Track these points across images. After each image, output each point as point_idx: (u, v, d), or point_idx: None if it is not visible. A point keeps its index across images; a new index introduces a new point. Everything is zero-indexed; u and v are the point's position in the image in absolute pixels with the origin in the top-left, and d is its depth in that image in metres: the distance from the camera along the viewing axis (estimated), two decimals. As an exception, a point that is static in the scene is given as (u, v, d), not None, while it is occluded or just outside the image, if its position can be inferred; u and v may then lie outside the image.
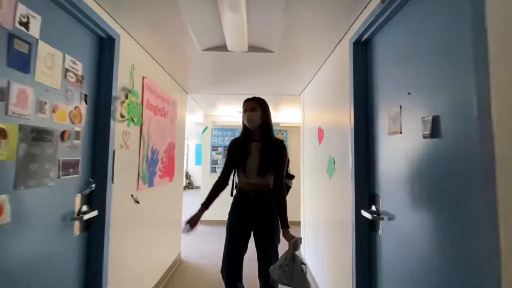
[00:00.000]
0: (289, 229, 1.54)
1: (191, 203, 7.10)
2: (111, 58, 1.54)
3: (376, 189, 1.39)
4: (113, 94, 1.55)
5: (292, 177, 1.83)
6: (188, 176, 10.94)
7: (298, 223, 3.34)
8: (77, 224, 1.35)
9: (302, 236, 3.15)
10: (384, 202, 1.30)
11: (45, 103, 1.12)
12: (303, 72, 2.51)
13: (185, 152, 10.87)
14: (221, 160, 4.95)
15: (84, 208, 1.39)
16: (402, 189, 1.13)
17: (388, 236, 1.26)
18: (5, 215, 0.94)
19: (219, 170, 4.89)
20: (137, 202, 1.88)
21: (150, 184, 2.14)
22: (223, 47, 1.93)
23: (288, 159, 1.75)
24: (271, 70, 2.45)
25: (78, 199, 1.35)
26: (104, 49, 1.53)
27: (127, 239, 1.79)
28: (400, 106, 1.16)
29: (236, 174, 1.76)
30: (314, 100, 2.71)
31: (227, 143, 4.93)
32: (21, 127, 1.00)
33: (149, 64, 2.10)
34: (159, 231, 2.43)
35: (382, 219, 1.28)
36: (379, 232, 1.33)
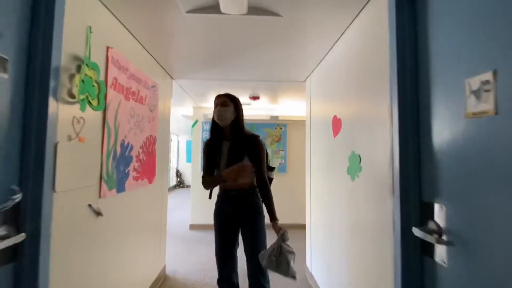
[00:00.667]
0: (278, 221, 1.55)
1: (181, 204, 6.61)
2: (50, 11, 1.05)
3: (434, 196, 0.96)
4: (54, 63, 1.07)
5: (272, 169, 1.80)
6: (178, 174, 10.45)
7: (303, 227, 2.94)
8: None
9: (307, 241, 2.77)
10: (451, 216, 0.88)
11: None
12: (313, 50, 2.07)
13: (175, 149, 10.36)
14: (213, 157, 4.50)
15: (2, 231, 0.92)
16: (493, 197, 0.71)
17: (459, 269, 0.84)
18: None
19: (211, 168, 4.45)
20: (99, 214, 1.41)
21: (120, 188, 1.67)
22: (214, 8, 1.47)
23: (267, 152, 1.74)
24: (273, 46, 2.00)
25: (-11, 217, 0.88)
26: (40, 2, 1.04)
27: (87, 260, 1.33)
28: (494, 72, 0.73)
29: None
30: (326, 85, 2.26)
31: (220, 138, 4.52)
32: None
33: (116, 32, 1.62)
34: (135, 244, 1.97)
35: (451, 243, 0.86)
36: (441, 261, 0.91)
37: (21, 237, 0.94)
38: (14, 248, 0.97)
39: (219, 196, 1.71)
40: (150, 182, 2.21)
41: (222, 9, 1.45)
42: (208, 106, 4.56)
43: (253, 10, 1.47)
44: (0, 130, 0.92)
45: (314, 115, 2.63)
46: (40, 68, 1.04)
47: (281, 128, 4.61)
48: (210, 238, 3.89)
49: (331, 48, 2.03)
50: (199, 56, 2.28)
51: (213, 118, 1.63)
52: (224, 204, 1.66)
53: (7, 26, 0.94)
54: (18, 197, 0.95)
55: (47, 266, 1.05)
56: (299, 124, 4.59)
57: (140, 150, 1.97)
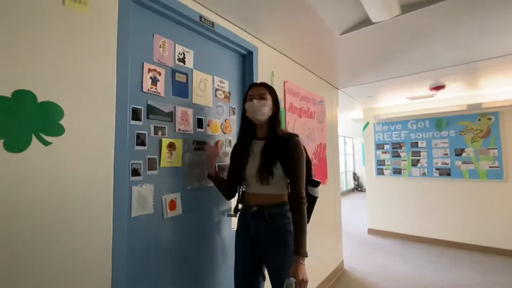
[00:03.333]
0: (302, 259, 1.06)
1: (360, 207, 6.59)
2: (251, 70, 1.68)
3: None
4: (255, 103, 1.67)
5: (316, 184, 1.32)
6: (356, 177, 10.33)
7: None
8: (234, 220, 1.55)
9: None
10: None
11: (201, 119, 1.38)
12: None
13: (351, 152, 10.38)
14: (389, 160, 4.17)
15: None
16: None
17: None
18: (178, 209, 1.23)
19: (387, 172, 4.16)
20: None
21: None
22: (365, 21, 1.57)
23: (309, 159, 1.31)
24: (463, 22, 1.63)
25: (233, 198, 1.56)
26: (245, 63, 1.70)
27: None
28: None
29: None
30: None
31: (396, 139, 4.11)
32: (184, 140, 1.28)
33: (289, 67, 2.12)
34: (316, 236, 2.37)
35: None
36: None
37: (246, 212, 1.57)
38: (244, 218, 1.62)
39: (239, 212, 1.35)
40: (323, 183, 2.57)
41: (373, 19, 1.52)
42: (379, 106, 4.33)
43: (408, 7, 1.41)
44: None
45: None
46: (249, 108, 1.68)
47: (490, 119, 3.42)
48: (390, 245, 3.68)
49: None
50: (363, 63, 2.35)
51: (243, 113, 1.30)
52: (243, 223, 1.28)
53: (232, 87, 1.62)
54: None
55: (259, 234, 1.63)
56: (524, 109, 3.22)
57: (313, 156, 2.38)
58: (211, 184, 1.40)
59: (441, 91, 3.26)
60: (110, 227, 0.94)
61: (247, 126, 1.30)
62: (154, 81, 1.17)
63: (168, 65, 1.23)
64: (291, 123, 2.05)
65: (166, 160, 1.19)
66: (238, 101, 1.66)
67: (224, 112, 1.54)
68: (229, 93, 1.58)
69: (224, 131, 1.52)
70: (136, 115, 1.09)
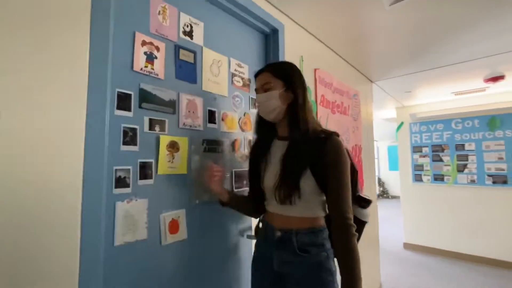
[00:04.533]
0: None
1: (388, 217, 5.98)
2: (276, 52, 1.34)
3: None
4: (282, 93, 1.34)
5: (366, 203, 0.93)
6: (381, 183, 9.65)
7: None
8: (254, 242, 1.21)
9: None
10: None
11: (214, 112, 1.06)
12: None
13: (375, 156, 9.72)
14: (428, 164, 3.65)
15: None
16: None
17: None
18: (182, 232, 0.90)
19: (426, 178, 3.63)
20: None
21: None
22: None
23: (355, 168, 0.89)
24: None
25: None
26: (269, 44, 1.37)
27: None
28: None
29: None
30: None
31: (437, 141, 3.58)
32: (192, 139, 0.96)
33: (320, 53, 1.77)
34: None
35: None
36: None
37: (271, 232, 1.22)
38: (268, 239, 1.27)
39: (259, 231, 0.98)
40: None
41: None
42: (415, 104, 3.83)
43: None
44: (256, 150, 1.26)
45: None
46: (273, 100, 1.34)
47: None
48: (434, 264, 3.15)
49: None
50: (403, 49, 1.96)
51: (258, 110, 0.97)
52: (262, 252, 0.92)
53: (252, 74, 1.29)
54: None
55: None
56: None
57: (348, 160, 1.99)
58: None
59: (498, 83, 2.74)
60: (74, 265, 0.63)
61: (264, 125, 0.95)
62: (150, 58, 0.86)
63: (169, 39, 0.92)
64: (323, 119, 1.69)
65: (166, 165, 0.87)
66: (260, 90, 1.32)
67: (243, 103, 1.21)
68: (249, 80, 1.25)
69: (243, 127, 1.19)
70: (123, 102, 0.79)
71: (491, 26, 1.61)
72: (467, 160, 3.35)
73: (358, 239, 0.88)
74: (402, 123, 3.97)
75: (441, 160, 3.55)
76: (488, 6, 1.40)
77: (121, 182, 0.77)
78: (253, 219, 1.20)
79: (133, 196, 0.80)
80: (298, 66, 1.48)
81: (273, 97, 0.86)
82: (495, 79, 2.58)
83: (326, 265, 0.81)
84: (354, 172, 0.89)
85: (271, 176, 0.87)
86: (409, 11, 1.43)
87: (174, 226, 0.89)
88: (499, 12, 1.45)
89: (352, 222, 0.78)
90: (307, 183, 0.81)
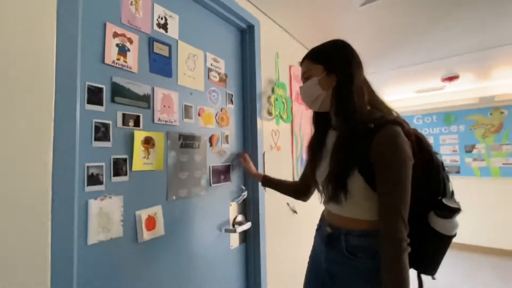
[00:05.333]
0: None
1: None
2: (252, 48, 1.35)
3: None
4: (258, 89, 1.36)
5: (449, 212, 0.68)
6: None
7: None
8: (233, 236, 1.23)
9: None
10: None
11: (190, 107, 1.05)
12: None
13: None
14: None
15: (239, 218, 1.26)
16: None
17: None
18: (159, 228, 0.90)
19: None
20: (295, 212, 1.61)
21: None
22: (392, -12, 1.27)
23: (433, 166, 0.71)
24: (477, 3, 1.43)
25: (232, 208, 1.24)
26: (245, 40, 1.37)
27: (281, 245, 1.55)
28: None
29: None
30: None
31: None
32: (168, 134, 0.95)
33: (295, 50, 1.81)
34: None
35: None
36: None
37: (248, 225, 1.25)
38: (245, 232, 1.30)
39: (319, 221, 0.94)
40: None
41: (404, -16, 1.22)
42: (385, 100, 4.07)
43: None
44: (232, 145, 1.27)
45: None
46: (250, 96, 1.36)
47: (502, 113, 3.21)
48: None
49: None
50: (371, 49, 2.08)
51: None
52: (316, 244, 0.92)
53: (228, 69, 1.30)
54: (245, 194, 1.28)
55: (265, 250, 1.32)
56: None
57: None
58: (203, 192, 1.08)
59: (453, 83, 3.01)
60: (45, 267, 0.60)
61: (318, 116, 0.90)
62: (123, 50, 0.83)
63: (143, 31, 0.89)
64: (297, 116, 1.74)
65: (141, 161, 0.86)
66: (237, 85, 1.33)
67: (220, 99, 1.21)
68: (226, 75, 1.25)
69: (220, 123, 1.20)
70: (94, 96, 0.75)
71: (447, 31, 1.77)
72: (426, 153, 3.66)
73: (437, 256, 0.73)
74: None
75: (404, 153, 3.83)
76: (444, 15, 1.53)
77: (93, 179, 0.74)
78: (230, 213, 1.22)
79: (107, 194, 0.77)
80: (273, 63, 1.53)
81: (313, 85, 0.80)
82: (451, 78, 2.83)
83: (375, 276, 0.68)
84: (433, 173, 0.71)
85: (322, 171, 0.82)
86: (378, 13, 1.51)
87: (150, 223, 0.87)
88: (454, 19, 1.60)
89: (402, 236, 0.64)
90: (356, 182, 0.71)
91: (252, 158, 1.31)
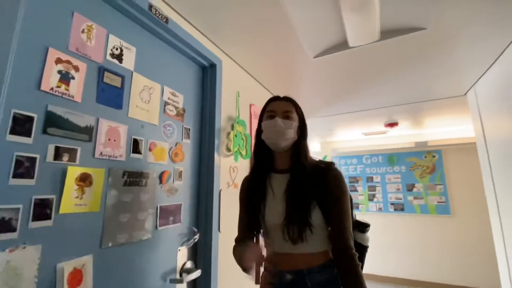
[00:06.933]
0: None
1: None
2: (213, 86, 1.37)
3: None
4: (217, 125, 1.34)
5: (365, 227, 0.91)
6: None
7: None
8: (179, 287, 1.09)
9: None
10: None
11: (140, 141, 0.98)
12: (480, 53, 1.59)
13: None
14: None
15: (188, 264, 1.14)
16: None
17: None
18: (86, 284, 0.75)
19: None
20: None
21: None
22: (342, 45, 1.44)
23: (350, 196, 0.88)
24: (415, 62, 1.70)
25: (180, 253, 1.12)
26: (207, 77, 1.39)
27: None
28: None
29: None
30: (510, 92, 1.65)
31: (352, 173, 4.12)
32: (110, 171, 0.85)
33: (255, 89, 1.89)
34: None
35: None
36: None
37: (198, 273, 1.13)
38: (194, 281, 1.17)
39: (265, 282, 0.82)
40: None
41: (351, 44, 1.40)
42: (337, 140, 4.40)
43: (388, 34, 1.33)
44: (185, 182, 1.20)
45: (492, 135, 1.92)
46: (208, 131, 1.34)
47: (434, 156, 3.69)
48: None
49: (510, 44, 1.49)
50: (323, 94, 2.28)
51: (257, 137, 0.96)
52: None
53: (188, 104, 1.27)
54: (196, 237, 1.18)
55: (215, 301, 1.19)
56: (461, 149, 3.54)
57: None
58: (147, 236, 0.96)
59: (394, 128, 3.41)
60: None
61: (262, 155, 0.95)
62: (65, 78, 0.76)
63: (93, 59, 0.84)
64: (257, 153, 1.75)
65: (71, 202, 0.74)
66: (195, 120, 1.30)
67: (175, 133, 1.16)
68: (184, 110, 1.22)
69: (173, 158, 1.13)
70: (20, 126, 0.65)
71: (385, 84, 2.04)
72: (375, 191, 3.94)
73: (362, 267, 0.83)
74: (325, 156, 4.45)
75: (356, 190, 4.07)
76: (380, 72, 1.78)
77: (3, 226, 0.61)
78: (178, 259, 1.10)
79: (20, 243, 0.63)
80: (234, 101, 1.55)
81: (293, 127, 0.89)
82: (392, 124, 3.21)
83: None
84: (351, 201, 0.89)
85: (275, 214, 0.84)
86: (329, 65, 1.69)
87: (76, 278, 0.73)
88: (387, 78, 1.86)
89: (353, 246, 0.79)
90: (316, 216, 0.80)
91: (207, 196, 1.24)
